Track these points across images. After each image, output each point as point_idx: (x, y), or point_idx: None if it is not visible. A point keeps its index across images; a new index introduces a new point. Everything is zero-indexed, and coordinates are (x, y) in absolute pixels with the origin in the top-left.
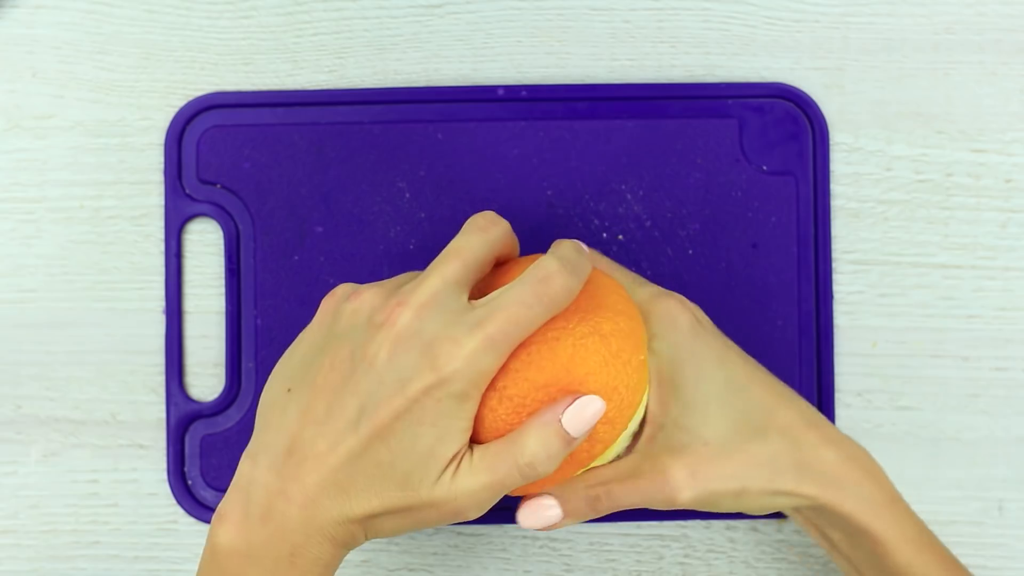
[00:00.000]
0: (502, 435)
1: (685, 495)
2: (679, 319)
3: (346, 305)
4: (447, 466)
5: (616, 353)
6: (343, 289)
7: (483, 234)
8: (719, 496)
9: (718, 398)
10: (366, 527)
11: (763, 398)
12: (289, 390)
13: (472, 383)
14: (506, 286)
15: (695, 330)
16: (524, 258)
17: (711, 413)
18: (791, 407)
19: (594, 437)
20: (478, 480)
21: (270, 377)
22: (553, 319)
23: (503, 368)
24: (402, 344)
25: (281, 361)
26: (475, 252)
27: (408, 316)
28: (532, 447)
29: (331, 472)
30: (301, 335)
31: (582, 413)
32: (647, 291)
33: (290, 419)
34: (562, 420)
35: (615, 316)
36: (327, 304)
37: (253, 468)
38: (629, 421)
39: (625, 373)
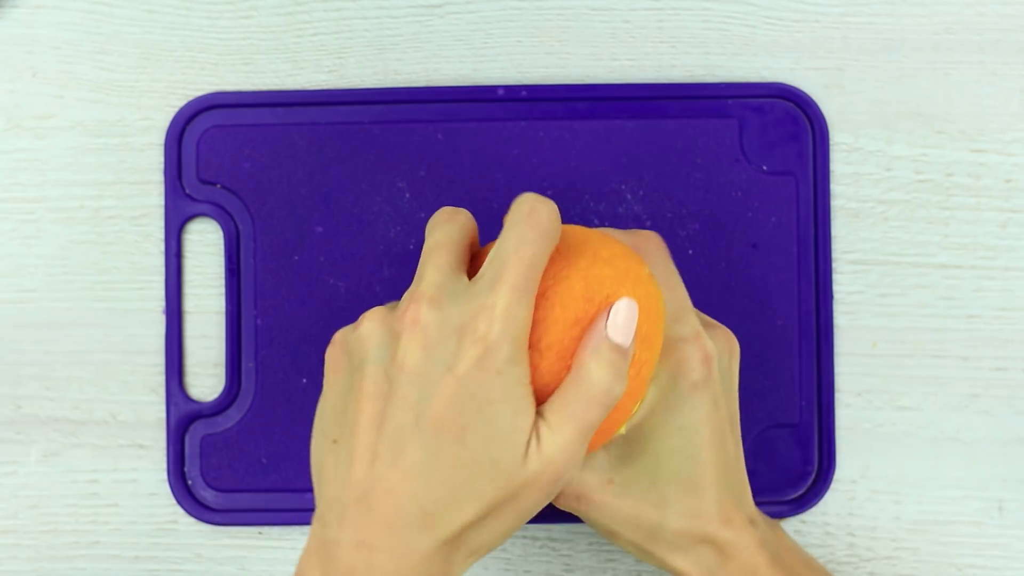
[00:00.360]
0: (554, 389)
1: (563, 505)
2: (686, 375)
3: (353, 337)
4: (530, 437)
5: (625, 271)
6: (340, 333)
7: (451, 223)
8: (593, 523)
9: (656, 456)
10: (466, 546)
11: (695, 478)
12: (335, 441)
13: (518, 341)
14: (499, 238)
15: (693, 390)
16: (491, 244)
17: (640, 462)
18: (713, 495)
19: (638, 360)
20: (564, 435)
21: (311, 441)
22: (551, 265)
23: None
24: (431, 336)
25: (315, 423)
26: (454, 238)
27: (425, 310)
28: (597, 374)
29: (410, 499)
30: (323, 393)
31: (620, 316)
32: (678, 331)
33: (345, 467)
34: (608, 334)
35: (607, 243)
36: (333, 352)
37: (324, 528)
38: (661, 333)
39: (641, 285)
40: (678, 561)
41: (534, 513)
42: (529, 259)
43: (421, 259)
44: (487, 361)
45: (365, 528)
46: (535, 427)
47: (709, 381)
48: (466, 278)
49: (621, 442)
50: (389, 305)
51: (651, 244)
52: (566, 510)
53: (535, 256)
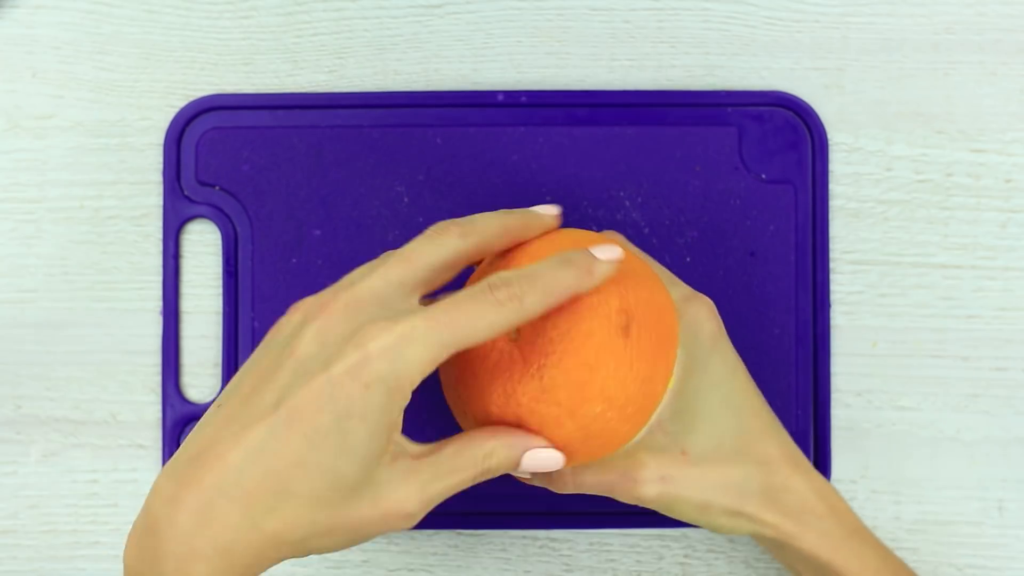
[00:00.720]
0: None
1: (650, 493)
2: (703, 328)
3: (283, 318)
4: (382, 464)
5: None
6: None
7: (432, 242)
8: (682, 504)
9: (710, 414)
10: (282, 547)
11: (751, 424)
12: (219, 405)
13: (401, 372)
14: (461, 292)
15: (715, 341)
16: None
17: (699, 426)
18: (773, 439)
19: (640, 394)
20: (433, 490)
21: None
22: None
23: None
24: (331, 335)
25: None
26: (423, 257)
27: (340, 309)
28: (497, 461)
29: (233, 470)
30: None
31: (540, 460)
32: (678, 292)
33: (206, 428)
34: (527, 454)
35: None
36: (272, 329)
37: (157, 477)
38: (673, 361)
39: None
40: (770, 516)
41: (362, 542)
42: (467, 316)
43: (383, 257)
44: (361, 371)
45: (182, 484)
46: (392, 456)
47: (722, 329)
48: (412, 299)
49: (670, 417)
50: (334, 287)
51: (618, 237)
52: (651, 504)
53: (472, 323)
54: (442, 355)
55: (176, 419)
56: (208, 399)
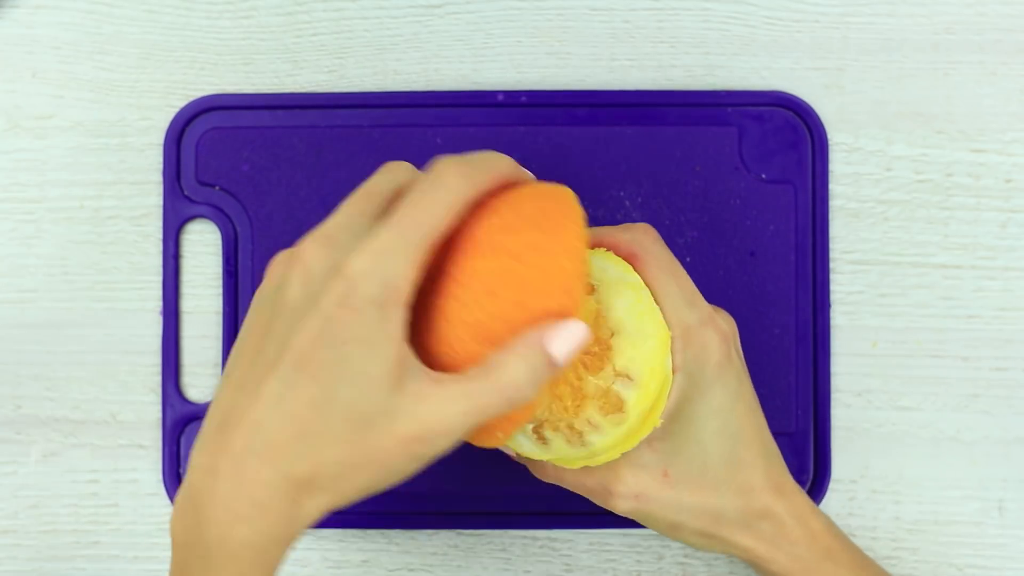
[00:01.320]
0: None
1: (622, 508)
2: (710, 357)
3: (265, 278)
4: (396, 385)
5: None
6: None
7: (389, 173)
8: (654, 521)
9: (701, 441)
10: (319, 492)
11: (741, 454)
12: (228, 375)
13: (387, 285)
14: (410, 192)
15: (719, 369)
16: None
17: (687, 450)
18: (760, 467)
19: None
20: (452, 407)
21: None
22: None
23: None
24: (312, 273)
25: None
26: (382, 188)
27: (313, 247)
28: (515, 372)
29: (256, 427)
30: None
31: (568, 337)
32: (695, 315)
33: (223, 396)
34: (547, 346)
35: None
36: (258, 292)
37: (192, 453)
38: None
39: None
40: (744, 539)
41: (397, 477)
42: (423, 208)
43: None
44: (349, 298)
45: (215, 454)
46: (403, 375)
47: (730, 358)
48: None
49: (660, 436)
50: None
51: (648, 238)
52: (625, 515)
53: (430, 211)
54: (420, 254)
55: (176, 419)
56: (208, 399)
